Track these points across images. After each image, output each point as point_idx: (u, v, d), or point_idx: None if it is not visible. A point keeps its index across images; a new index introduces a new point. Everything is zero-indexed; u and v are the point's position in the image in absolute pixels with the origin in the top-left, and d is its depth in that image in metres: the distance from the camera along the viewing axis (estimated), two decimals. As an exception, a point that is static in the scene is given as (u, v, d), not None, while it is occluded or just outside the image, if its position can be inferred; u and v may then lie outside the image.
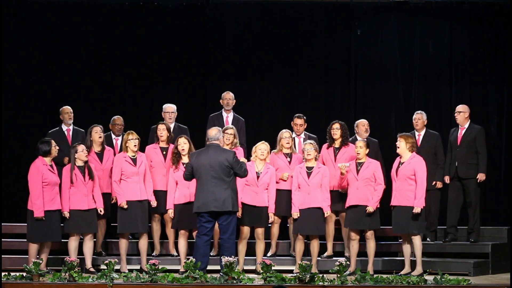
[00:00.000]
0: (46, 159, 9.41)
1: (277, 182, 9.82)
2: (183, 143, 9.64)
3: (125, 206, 9.60)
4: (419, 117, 10.57)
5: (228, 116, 10.88)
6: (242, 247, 9.67)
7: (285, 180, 9.87)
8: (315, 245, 9.67)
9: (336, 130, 10.12)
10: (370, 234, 9.66)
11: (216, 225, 9.25)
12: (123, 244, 9.75)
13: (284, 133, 10.07)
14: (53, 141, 9.52)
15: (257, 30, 12.39)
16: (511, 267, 9.66)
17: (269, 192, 9.66)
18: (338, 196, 9.93)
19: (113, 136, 10.67)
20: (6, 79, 11.86)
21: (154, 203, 9.80)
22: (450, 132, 10.63)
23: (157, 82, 12.34)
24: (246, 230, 9.68)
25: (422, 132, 10.54)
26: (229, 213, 8.95)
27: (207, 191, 8.88)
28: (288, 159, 10.01)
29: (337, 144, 10.13)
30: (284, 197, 9.84)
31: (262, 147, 9.70)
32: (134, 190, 9.65)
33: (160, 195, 9.89)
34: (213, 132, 9.16)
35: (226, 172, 8.93)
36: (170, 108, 10.69)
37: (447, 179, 10.40)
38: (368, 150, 9.70)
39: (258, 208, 9.62)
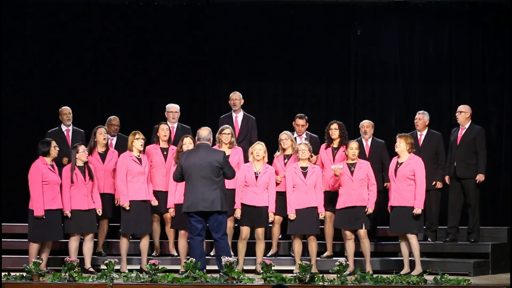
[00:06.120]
0: (47, 159, 9.43)
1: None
2: (188, 143, 9.60)
3: (127, 208, 9.60)
4: (420, 117, 10.56)
5: (238, 116, 10.84)
6: (242, 247, 9.67)
7: (277, 183, 9.84)
8: (313, 245, 9.68)
9: (334, 130, 10.12)
10: (364, 234, 9.66)
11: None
12: (124, 244, 9.73)
13: (282, 135, 10.07)
14: (53, 142, 9.52)
15: (257, 30, 12.40)
16: (511, 267, 9.66)
17: (269, 191, 9.66)
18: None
19: (108, 136, 10.62)
20: (6, 79, 11.87)
21: (155, 202, 9.79)
22: (451, 131, 10.62)
23: (157, 82, 12.35)
24: (246, 230, 9.67)
25: (424, 132, 10.53)
26: (219, 213, 8.90)
27: (196, 191, 8.83)
28: (285, 160, 10.01)
29: (335, 144, 10.12)
30: (285, 199, 9.83)
31: (257, 147, 9.70)
32: (140, 190, 9.63)
33: (160, 196, 9.87)
34: (205, 132, 9.13)
35: (216, 172, 8.88)
36: (173, 108, 10.66)
37: (447, 179, 10.39)
38: (358, 151, 9.72)
39: (258, 208, 9.61)
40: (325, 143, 10.22)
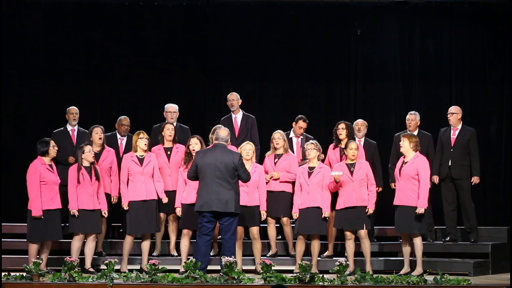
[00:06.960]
0: (45, 159, 9.42)
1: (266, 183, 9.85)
2: (195, 143, 9.58)
3: (126, 208, 9.60)
4: (413, 118, 10.55)
5: (237, 117, 10.83)
6: (238, 247, 9.64)
7: (268, 181, 9.84)
8: (315, 245, 9.67)
9: (341, 130, 10.12)
10: (364, 234, 9.66)
11: (218, 224, 9.24)
12: (128, 243, 9.69)
13: (275, 134, 10.09)
14: (52, 141, 9.51)
15: (257, 30, 12.40)
16: (511, 267, 9.66)
17: (259, 190, 9.64)
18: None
19: (118, 136, 10.61)
20: (7, 80, 11.87)
21: (165, 199, 9.76)
22: (440, 131, 10.60)
23: (157, 82, 12.35)
24: (240, 230, 9.64)
25: (415, 133, 10.47)
26: (231, 214, 8.90)
27: (210, 191, 8.83)
28: (276, 160, 10.01)
29: (343, 144, 10.08)
30: (276, 198, 9.85)
31: (247, 147, 9.68)
32: (139, 190, 9.61)
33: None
34: (224, 133, 9.10)
35: (231, 174, 8.88)
36: (172, 108, 10.65)
37: (436, 179, 10.36)
38: (358, 151, 9.73)
39: (251, 208, 9.57)
40: (333, 143, 10.22)
